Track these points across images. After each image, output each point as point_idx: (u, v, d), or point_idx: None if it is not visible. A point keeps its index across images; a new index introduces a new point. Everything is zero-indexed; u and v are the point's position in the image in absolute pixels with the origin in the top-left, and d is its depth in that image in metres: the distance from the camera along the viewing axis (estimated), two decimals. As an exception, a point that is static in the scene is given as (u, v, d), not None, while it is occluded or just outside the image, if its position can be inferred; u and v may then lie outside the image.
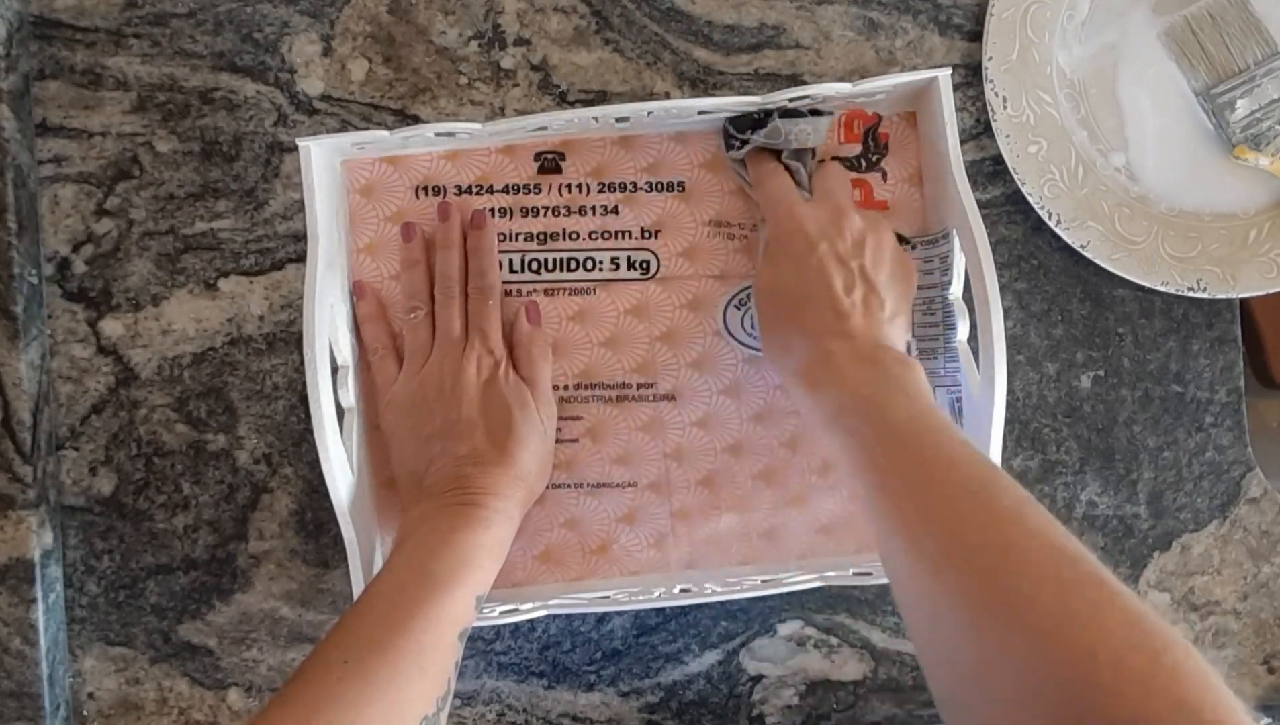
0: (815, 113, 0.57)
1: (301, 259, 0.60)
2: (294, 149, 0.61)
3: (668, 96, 0.62)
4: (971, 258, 0.55)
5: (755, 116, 0.58)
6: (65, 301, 0.61)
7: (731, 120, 0.58)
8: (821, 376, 0.51)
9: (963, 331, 0.58)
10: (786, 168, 0.58)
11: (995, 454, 0.55)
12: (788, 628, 0.63)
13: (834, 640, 0.63)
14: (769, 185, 0.57)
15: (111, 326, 0.61)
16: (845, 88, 0.56)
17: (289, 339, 0.61)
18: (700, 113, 0.57)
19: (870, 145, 0.61)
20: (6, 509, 0.58)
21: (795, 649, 0.63)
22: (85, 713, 0.61)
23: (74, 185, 0.61)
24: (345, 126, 0.61)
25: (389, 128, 0.60)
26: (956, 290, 0.58)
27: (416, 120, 0.61)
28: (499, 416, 0.56)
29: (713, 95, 0.62)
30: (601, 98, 0.62)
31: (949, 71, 0.56)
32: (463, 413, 0.56)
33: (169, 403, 0.61)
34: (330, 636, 0.46)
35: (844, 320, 0.52)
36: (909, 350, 0.59)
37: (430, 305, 0.59)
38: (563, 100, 0.62)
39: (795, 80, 0.62)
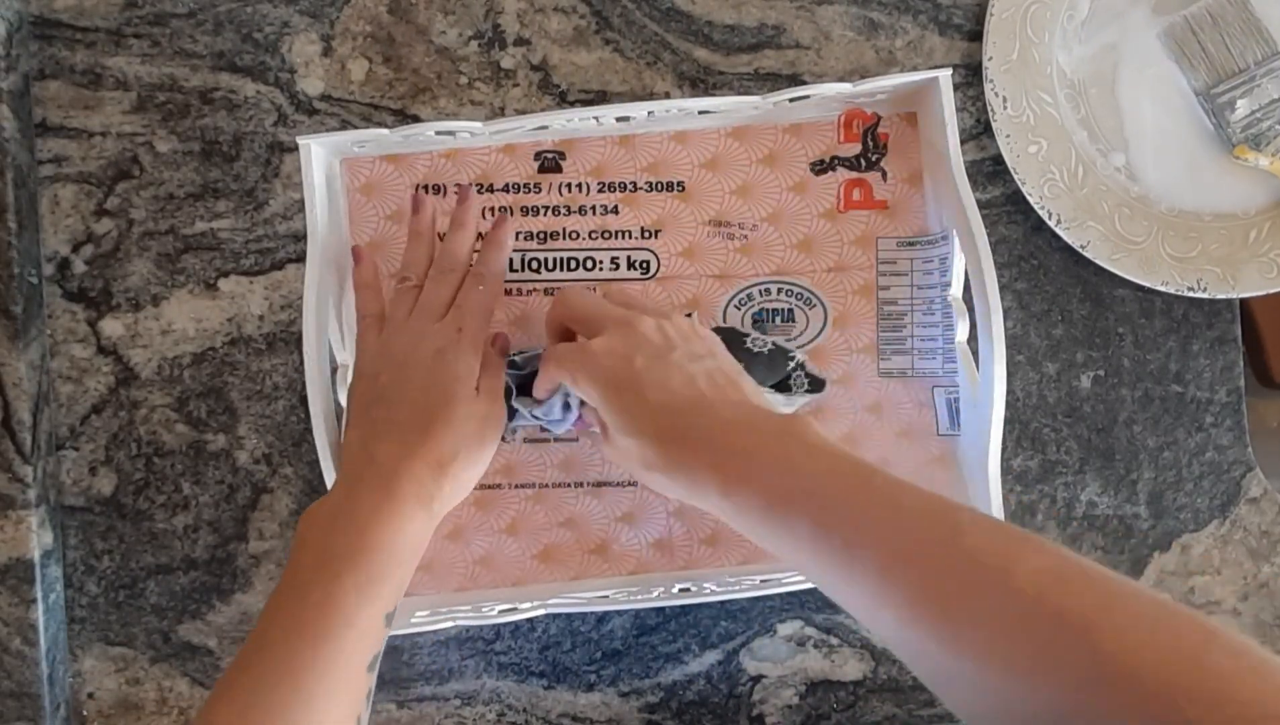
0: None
1: (301, 259, 0.60)
2: (294, 149, 0.61)
3: (668, 96, 0.62)
4: (971, 258, 0.55)
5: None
6: (65, 301, 0.61)
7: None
8: (725, 479, 0.46)
9: (962, 332, 0.58)
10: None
11: (995, 455, 0.55)
12: (788, 628, 0.63)
13: (834, 640, 0.63)
14: (559, 355, 0.53)
15: (111, 326, 0.61)
16: (845, 88, 0.56)
17: (289, 339, 0.61)
18: (700, 112, 0.57)
19: (869, 145, 0.61)
20: (6, 509, 0.58)
21: (795, 649, 0.63)
22: (85, 713, 0.61)
23: (74, 185, 0.61)
24: (345, 126, 0.61)
25: (389, 127, 0.60)
26: (956, 291, 0.58)
27: (416, 120, 0.61)
28: (437, 394, 0.52)
29: (713, 95, 0.62)
30: (601, 98, 0.62)
31: (949, 72, 0.56)
32: (407, 384, 0.52)
33: (169, 403, 0.61)
34: (239, 661, 0.45)
35: (706, 410, 0.48)
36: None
37: (423, 279, 0.57)
38: (563, 100, 0.62)
39: (795, 80, 0.62)
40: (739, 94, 0.61)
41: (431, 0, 0.61)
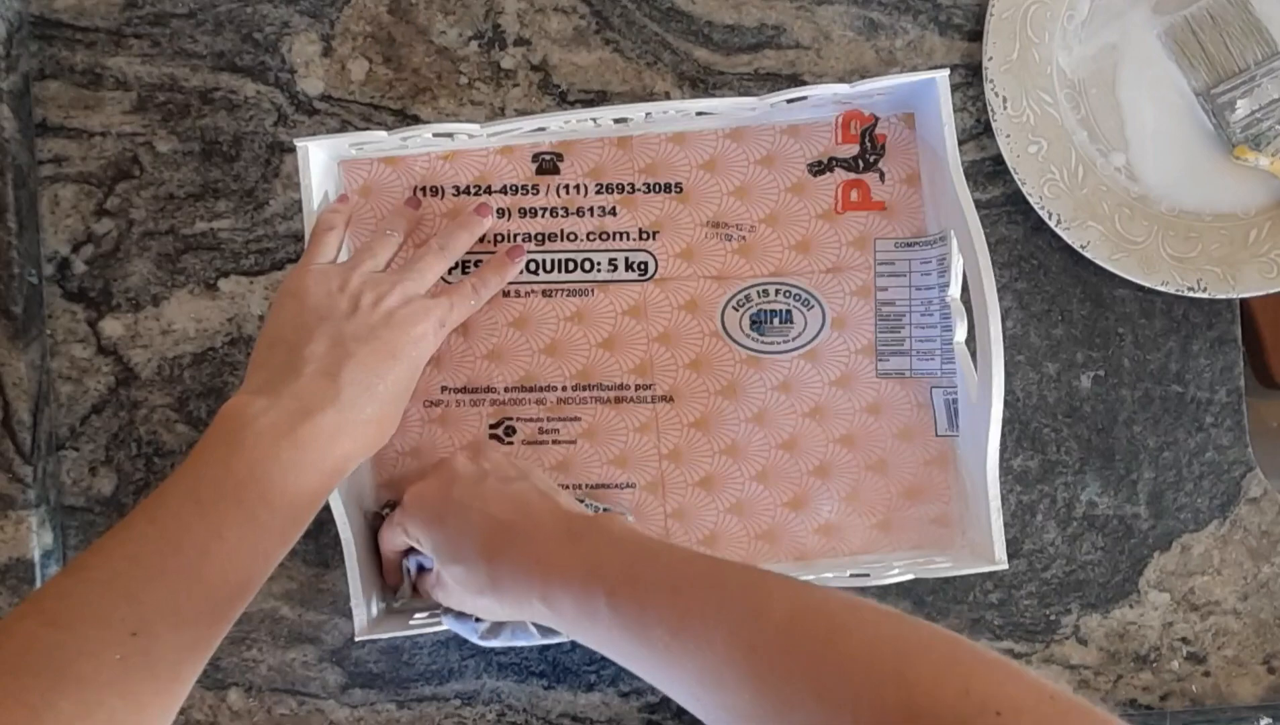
0: None
1: (301, 259, 0.60)
2: (294, 149, 0.61)
3: (668, 96, 0.62)
4: (969, 259, 0.55)
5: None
6: (65, 301, 0.61)
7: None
8: (548, 576, 0.47)
9: (960, 333, 0.58)
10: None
11: (993, 456, 0.55)
12: (787, 628, 0.63)
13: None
14: (387, 522, 0.56)
15: (111, 326, 0.61)
16: (843, 89, 0.56)
17: (289, 339, 0.61)
18: (698, 114, 0.57)
19: (867, 146, 0.61)
20: (6, 509, 0.58)
21: None
22: (86, 712, 0.61)
23: (74, 185, 0.61)
24: (345, 126, 0.61)
25: (388, 128, 0.60)
26: (954, 291, 0.58)
27: (416, 120, 0.61)
28: (406, 372, 0.54)
29: (713, 95, 0.62)
30: (601, 98, 0.62)
31: (947, 73, 0.56)
32: (387, 335, 0.52)
33: (169, 403, 0.61)
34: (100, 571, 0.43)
35: (507, 530, 0.50)
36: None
37: (403, 237, 0.58)
38: (563, 100, 0.62)
39: (795, 80, 0.62)
40: (739, 94, 0.61)
41: (431, 0, 0.61)
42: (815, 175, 0.61)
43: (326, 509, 0.55)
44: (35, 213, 0.60)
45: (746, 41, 0.62)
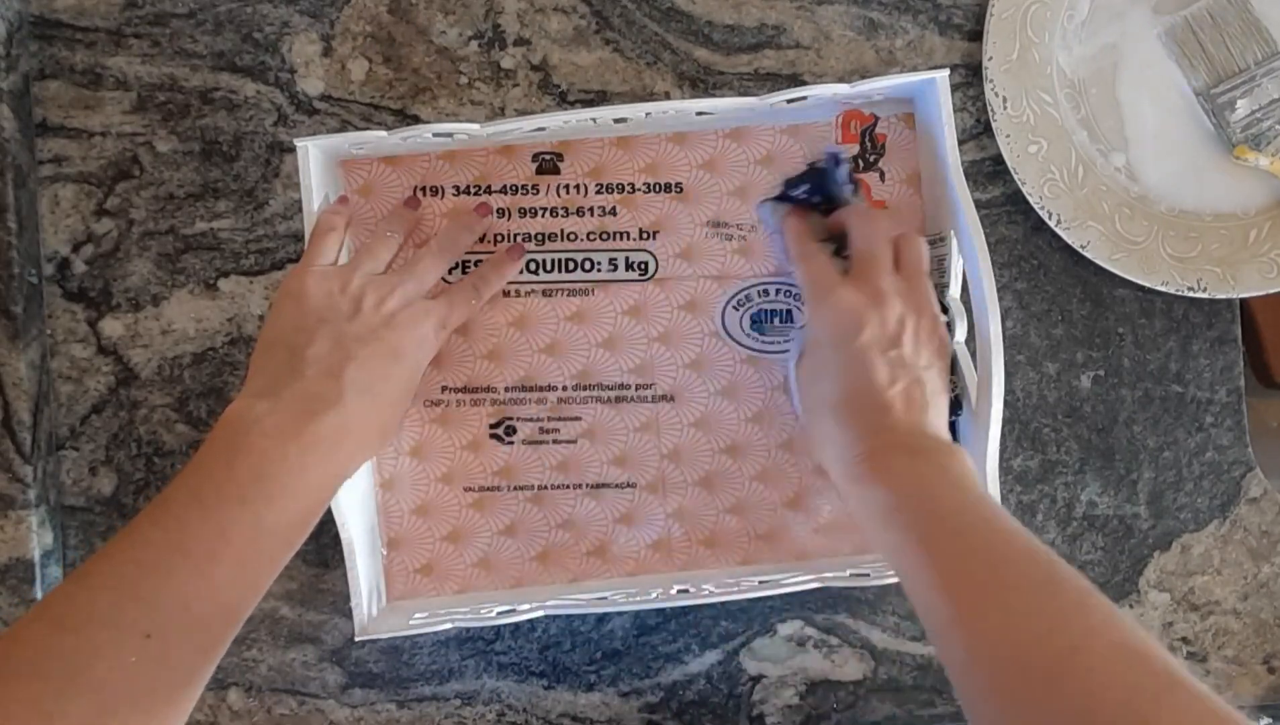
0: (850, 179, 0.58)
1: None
2: (294, 149, 0.61)
3: (668, 96, 0.62)
4: (970, 260, 0.55)
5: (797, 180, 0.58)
6: (65, 301, 0.61)
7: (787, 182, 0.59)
8: (866, 473, 0.50)
9: (960, 332, 0.58)
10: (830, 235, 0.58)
11: (993, 456, 0.55)
12: (788, 628, 0.63)
13: (834, 640, 0.63)
14: (809, 267, 0.56)
15: (111, 326, 0.61)
16: (843, 89, 0.56)
17: (289, 339, 0.61)
18: (698, 114, 0.57)
19: (867, 145, 0.61)
20: (6, 509, 0.58)
21: (795, 649, 0.63)
22: (85, 712, 0.61)
23: (74, 185, 0.61)
24: (345, 126, 0.61)
25: (389, 128, 0.60)
26: (954, 291, 0.58)
27: (416, 120, 0.61)
28: (407, 373, 0.54)
29: (713, 95, 0.62)
30: (601, 98, 0.62)
31: (947, 73, 0.56)
32: (388, 336, 0.52)
33: (169, 403, 0.61)
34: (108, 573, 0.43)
35: (887, 414, 0.51)
36: (955, 414, 0.58)
37: (403, 239, 0.58)
38: (563, 100, 0.62)
39: (795, 80, 0.62)
40: (739, 94, 0.61)
41: (431, 0, 0.61)
42: None
43: (327, 513, 0.55)
44: (35, 213, 0.60)
45: (746, 41, 0.62)
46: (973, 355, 0.58)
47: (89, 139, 0.61)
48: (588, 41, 0.62)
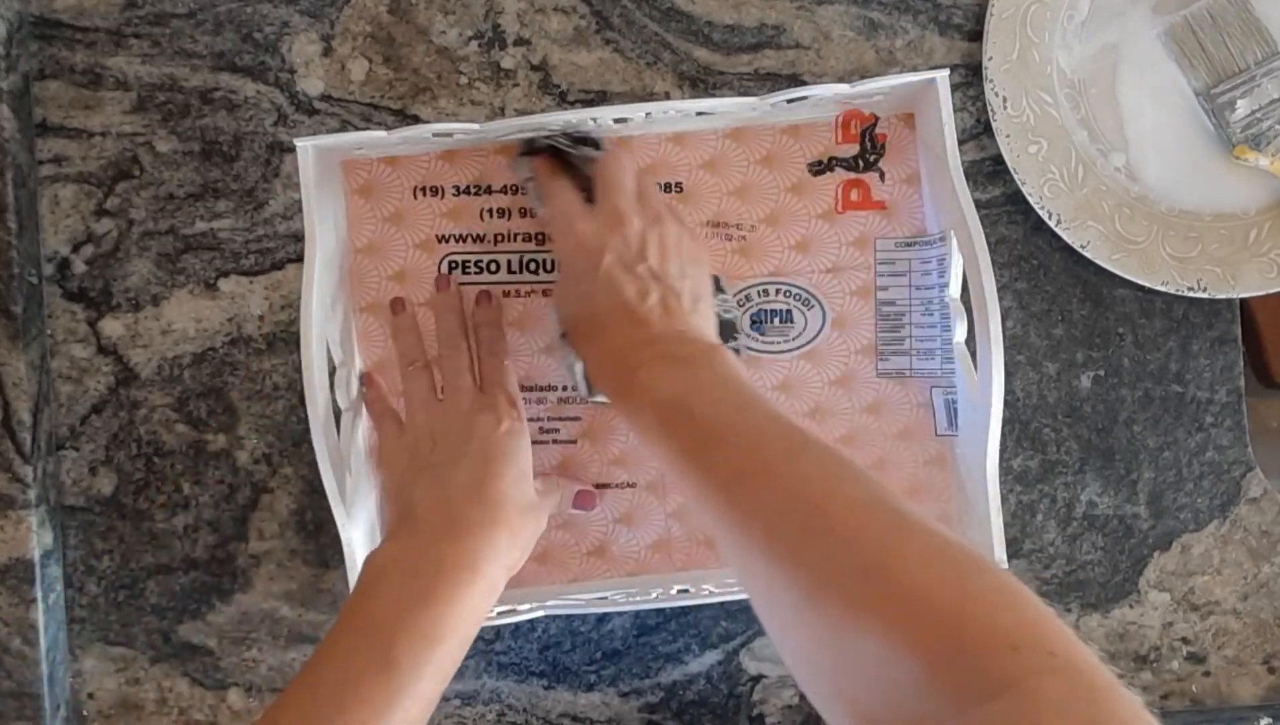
0: (593, 145, 0.57)
1: (302, 259, 0.60)
2: (294, 149, 0.61)
3: (668, 96, 0.62)
4: (970, 260, 0.55)
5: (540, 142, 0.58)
6: (65, 301, 0.61)
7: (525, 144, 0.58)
8: (632, 392, 0.50)
9: (960, 333, 0.58)
10: (575, 167, 0.57)
11: (993, 456, 0.55)
12: (787, 628, 0.63)
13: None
14: (553, 203, 0.56)
15: (111, 326, 0.61)
16: (843, 89, 0.56)
17: (289, 339, 0.61)
18: (698, 114, 0.57)
19: (867, 146, 0.61)
20: (6, 509, 0.58)
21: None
22: (85, 713, 0.61)
23: (74, 185, 0.61)
24: (345, 126, 0.61)
25: (388, 128, 0.60)
26: (954, 291, 0.58)
27: (417, 120, 0.61)
28: (511, 470, 0.54)
29: (713, 95, 0.62)
30: (601, 98, 0.62)
31: (947, 73, 0.56)
32: (471, 450, 0.54)
33: (169, 403, 0.61)
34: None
35: (644, 327, 0.51)
36: (728, 316, 0.58)
37: (425, 358, 0.59)
38: (563, 100, 0.62)
39: (795, 80, 0.62)
40: (739, 94, 0.61)
41: (431, 0, 0.61)
42: (815, 175, 0.61)
43: (326, 508, 0.55)
44: (35, 213, 0.60)
45: (746, 41, 0.62)
46: (973, 355, 0.58)
47: (89, 139, 0.61)
48: (588, 41, 0.62)
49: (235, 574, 0.61)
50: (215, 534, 0.61)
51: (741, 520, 0.43)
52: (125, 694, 0.61)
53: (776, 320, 0.61)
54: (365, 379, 0.60)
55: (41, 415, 0.60)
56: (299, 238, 0.61)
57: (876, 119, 0.61)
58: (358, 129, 0.61)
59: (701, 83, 0.62)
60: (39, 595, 0.59)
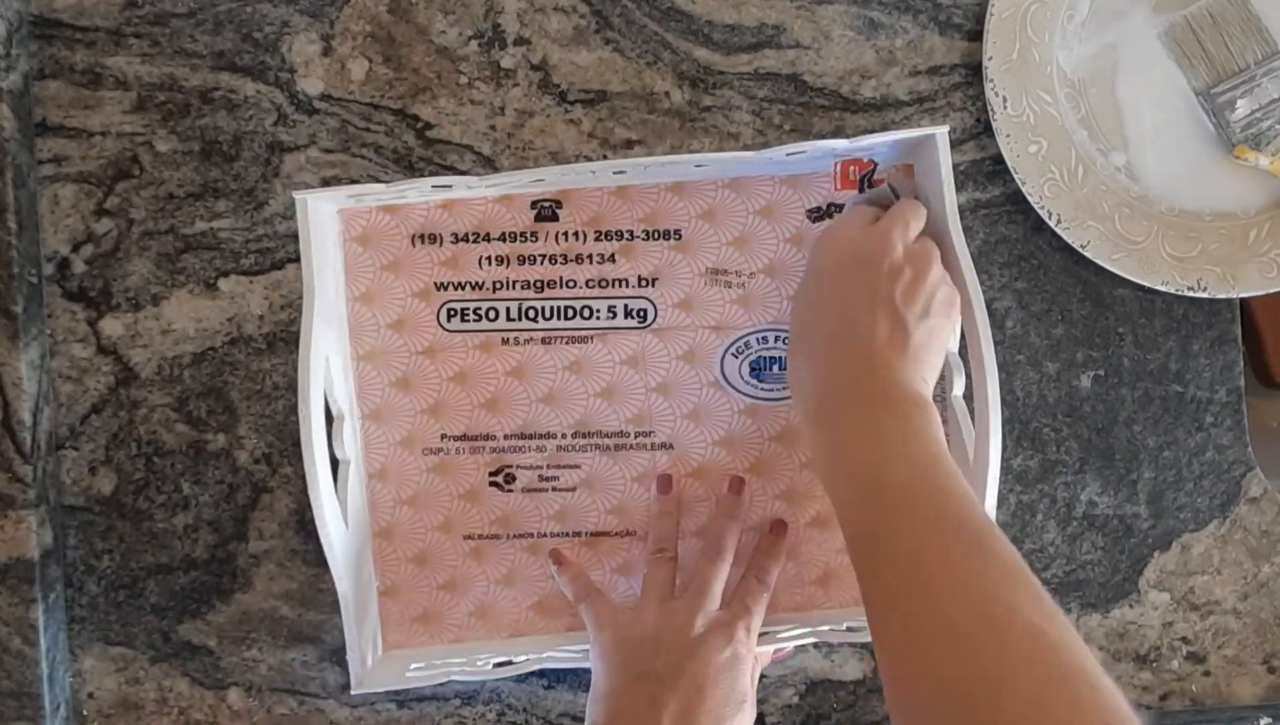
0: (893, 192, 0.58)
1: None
2: (294, 149, 0.61)
3: (668, 96, 0.62)
4: (967, 316, 0.54)
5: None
6: (65, 301, 0.61)
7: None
8: (826, 414, 0.50)
9: (958, 387, 0.57)
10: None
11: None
12: (787, 628, 0.63)
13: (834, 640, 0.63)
14: (848, 210, 0.57)
15: (111, 326, 0.61)
16: (842, 144, 0.55)
17: (289, 339, 0.61)
18: (697, 166, 0.57)
19: (866, 191, 0.60)
20: (6, 509, 0.58)
21: (795, 649, 0.63)
22: (85, 713, 0.61)
23: (74, 185, 0.61)
24: (345, 126, 0.61)
25: (389, 128, 0.61)
26: (952, 346, 0.57)
27: (416, 120, 0.61)
28: (718, 694, 0.53)
29: (712, 95, 0.62)
30: (601, 97, 0.62)
31: (946, 129, 0.55)
32: (690, 670, 0.53)
33: (169, 402, 0.61)
34: None
35: (862, 350, 0.50)
36: (944, 377, 0.57)
37: (675, 551, 0.59)
38: (563, 100, 0.62)
39: (795, 79, 0.62)
40: (740, 94, 0.61)
41: (431, 0, 0.61)
42: (814, 221, 0.60)
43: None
44: (35, 212, 0.60)
45: (746, 41, 0.62)
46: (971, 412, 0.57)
47: (89, 139, 0.61)
48: (588, 41, 0.62)
49: (235, 574, 0.61)
50: (215, 534, 0.61)
51: (892, 605, 0.44)
52: (125, 694, 0.61)
53: (775, 367, 0.61)
54: (555, 556, 0.60)
55: (41, 415, 0.59)
56: (298, 238, 0.61)
57: (875, 165, 0.60)
58: (357, 128, 0.61)
59: (701, 82, 0.62)
60: (39, 595, 0.58)
